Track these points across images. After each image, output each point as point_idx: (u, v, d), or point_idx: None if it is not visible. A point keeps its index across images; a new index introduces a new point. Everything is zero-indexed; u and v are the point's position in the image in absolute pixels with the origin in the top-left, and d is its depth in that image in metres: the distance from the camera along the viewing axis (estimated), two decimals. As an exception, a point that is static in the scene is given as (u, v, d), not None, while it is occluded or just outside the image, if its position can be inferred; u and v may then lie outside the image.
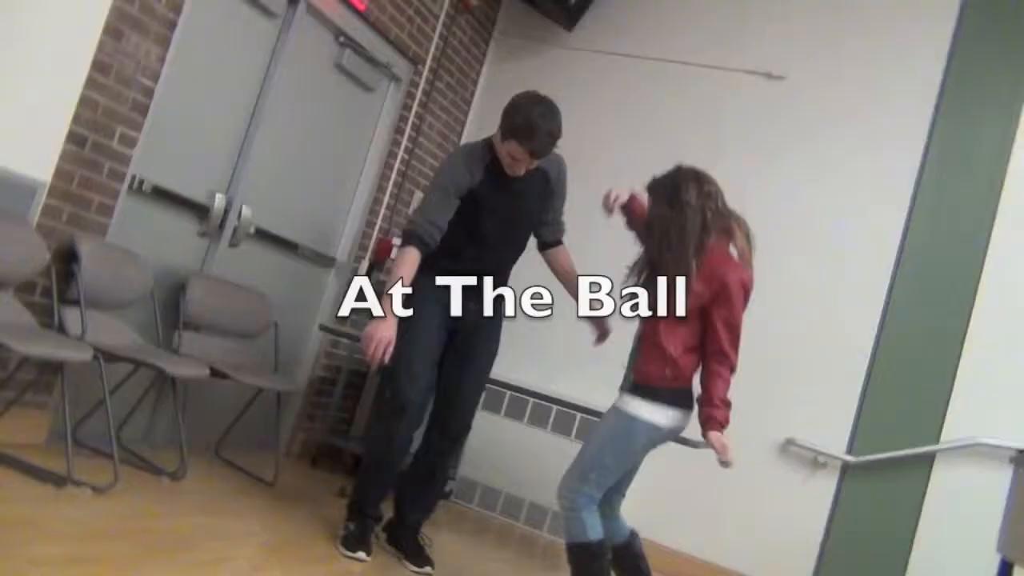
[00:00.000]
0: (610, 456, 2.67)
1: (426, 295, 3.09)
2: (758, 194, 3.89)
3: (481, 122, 5.23)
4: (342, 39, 4.27)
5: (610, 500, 2.79)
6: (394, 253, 4.51)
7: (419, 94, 4.80)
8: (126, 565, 2.32)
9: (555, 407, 4.37)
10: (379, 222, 4.72)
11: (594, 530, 2.62)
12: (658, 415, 2.63)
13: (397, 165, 4.76)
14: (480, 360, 3.29)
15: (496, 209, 3.12)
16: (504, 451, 4.27)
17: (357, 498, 3.23)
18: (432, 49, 4.81)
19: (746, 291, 2.63)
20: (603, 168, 4.09)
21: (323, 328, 4.32)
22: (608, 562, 2.66)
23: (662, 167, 2.75)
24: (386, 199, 4.74)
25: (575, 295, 3.21)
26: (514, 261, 3.31)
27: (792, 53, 4.65)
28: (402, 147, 4.78)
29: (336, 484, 4.09)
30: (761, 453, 4.29)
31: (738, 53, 4.74)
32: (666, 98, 4.84)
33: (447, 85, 5.05)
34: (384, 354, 2.87)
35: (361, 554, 3.09)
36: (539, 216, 3.27)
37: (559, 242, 3.33)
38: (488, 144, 3.16)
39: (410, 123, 4.79)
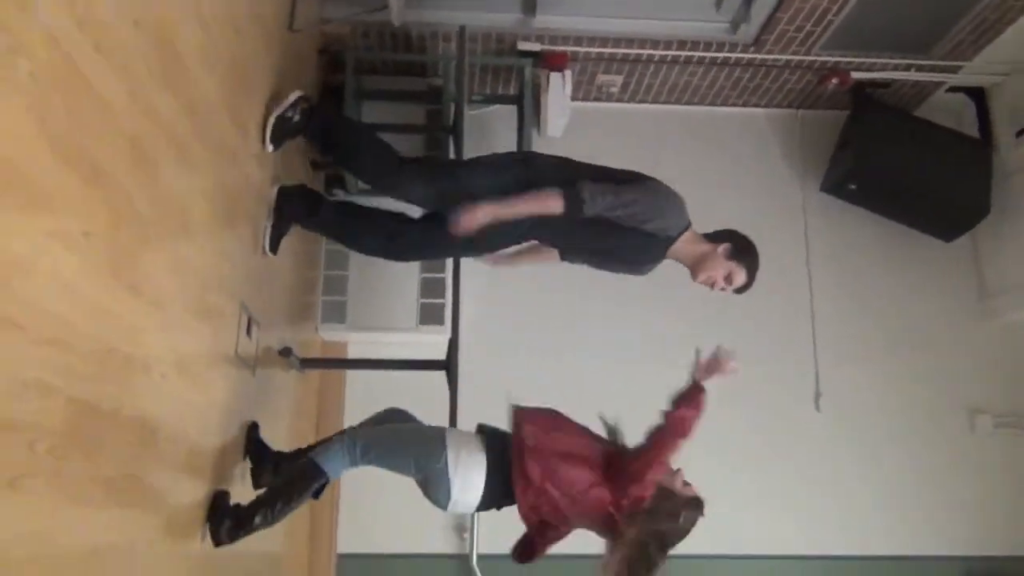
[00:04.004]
0: (400, 457, 2.70)
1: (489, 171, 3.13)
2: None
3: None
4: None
5: None
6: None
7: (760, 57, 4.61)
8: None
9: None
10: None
11: (332, 467, 2.66)
12: (470, 495, 2.65)
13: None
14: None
15: (599, 249, 3.08)
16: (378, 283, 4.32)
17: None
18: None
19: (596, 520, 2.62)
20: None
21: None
22: (311, 493, 2.69)
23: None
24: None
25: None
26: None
27: (847, 408, 4.70)
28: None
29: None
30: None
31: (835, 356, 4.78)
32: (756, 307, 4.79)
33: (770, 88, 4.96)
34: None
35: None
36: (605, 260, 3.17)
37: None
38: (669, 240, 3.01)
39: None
